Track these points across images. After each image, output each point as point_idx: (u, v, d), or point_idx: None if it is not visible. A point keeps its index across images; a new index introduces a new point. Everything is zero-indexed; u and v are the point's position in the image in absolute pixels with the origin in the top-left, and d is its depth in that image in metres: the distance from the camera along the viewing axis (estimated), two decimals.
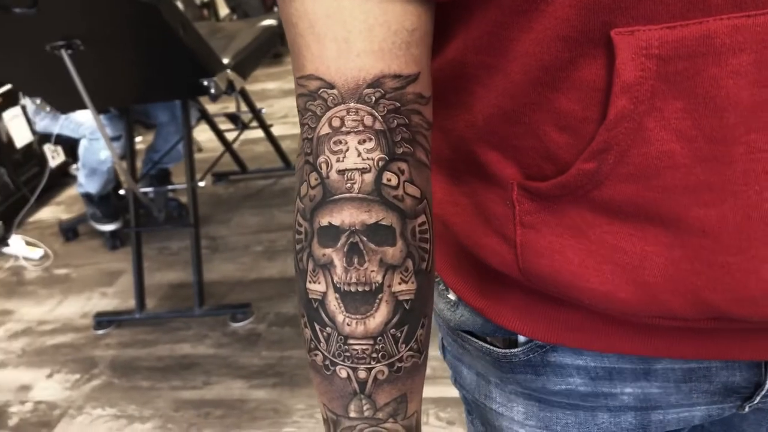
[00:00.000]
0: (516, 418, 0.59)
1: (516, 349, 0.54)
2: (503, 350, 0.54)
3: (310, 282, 0.41)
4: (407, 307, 0.41)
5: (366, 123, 0.39)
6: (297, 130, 2.58)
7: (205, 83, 2.05)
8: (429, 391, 1.80)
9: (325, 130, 0.39)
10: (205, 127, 3.16)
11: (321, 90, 0.39)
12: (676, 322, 0.45)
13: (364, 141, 0.39)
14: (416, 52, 0.40)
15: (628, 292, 0.43)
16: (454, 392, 0.77)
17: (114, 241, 2.81)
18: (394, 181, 0.40)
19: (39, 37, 1.85)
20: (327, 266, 0.40)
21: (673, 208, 0.40)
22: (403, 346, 0.42)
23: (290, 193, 2.97)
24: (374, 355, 0.41)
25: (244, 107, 3.08)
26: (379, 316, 0.40)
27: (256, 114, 3.08)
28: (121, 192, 2.53)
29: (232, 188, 3.21)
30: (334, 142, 0.39)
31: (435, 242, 0.58)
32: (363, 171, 0.39)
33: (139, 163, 2.86)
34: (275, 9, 4.21)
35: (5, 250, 2.84)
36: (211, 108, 3.23)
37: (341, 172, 0.39)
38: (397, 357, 0.42)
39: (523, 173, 0.45)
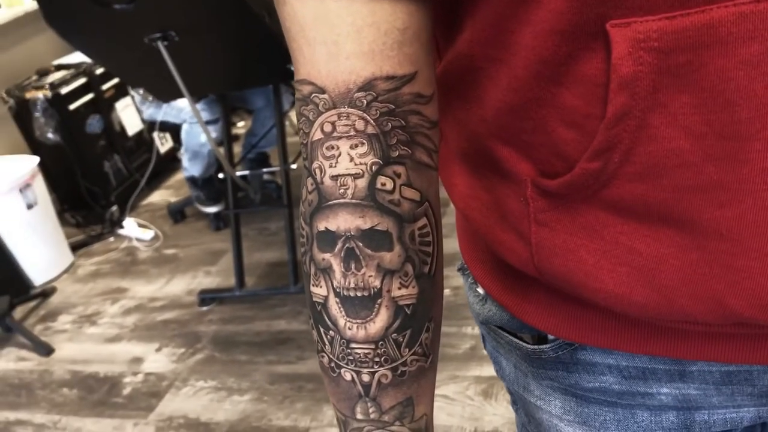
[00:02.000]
0: (554, 412, 0.57)
1: (545, 346, 0.52)
2: (532, 346, 0.53)
3: (313, 285, 0.42)
4: (408, 312, 0.41)
5: (358, 127, 0.39)
6: None
7: (292, 68, 2.09)
8: None
9: (317, 135, 0.40)
10: None
11: (313, 95, 0.39)
12: (698, 327, 0.42)
13: (356, 146, 0.39)
14: (410, 50, 0.39)
15: (644, 296, 0.41)
16: None
17: (218, 222, 2.96)
18: (389, 186, 0.39)
19: (137, 30, 1.96)
20: (327, 271, 0.41)
21: (685, 208, 0.38)
22: (407, 350, 0.42)
23: None
24: (377, 359, 0.41)
25: None
26: (379, 321, 0.40)
27: None
28: (221, 175, 2.65)
29: None
30: (327, 148, 0.39)
31: (462, 237, 0.58)
32: (356, 176, 0.39)
33: (238, 148, 2.98)
34: None
35: (120, 231, 3.05)
36: None
37: (334, 177, 0.39)
38: (400, 361, 0.42)
39: (537, 169, 0.44)
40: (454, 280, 2.12)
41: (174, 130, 3.10)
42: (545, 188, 0.43)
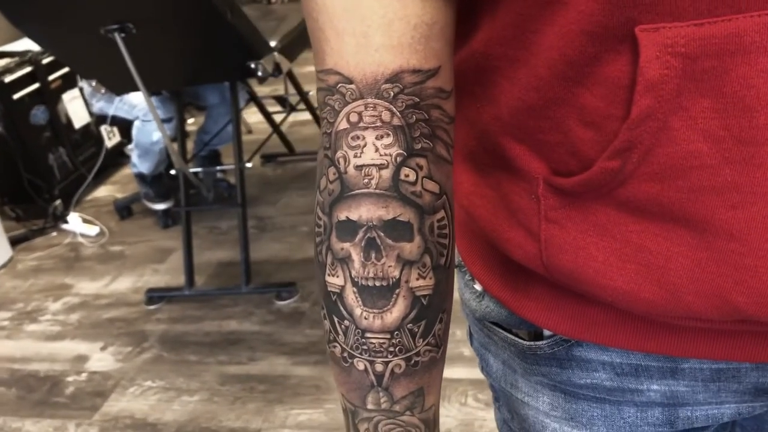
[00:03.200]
0: (541, 408, 0.59)
1: (541, 342, 0.54)
2: (528, 342, 0.54)
3: (329, 275, 0.42)
4: (425, 303, 0.42)
5: (384, 118, 0.39)
6: None
7: (252, 66, 2.07)
8: (468, 373, 1.82)
9: (343, 125, 0.40)
10: (255, 109, 3.20)
11: (339, 85, 0.40)
12: (701, 324, 0.44)
13: (382, 137, 0.39)
14: (436, 46, 0.40)
15: (651, 293, 0.43)
16: None
17: (166, 219, 2.89)
18: (412, 177, 0.40)
19: (94, 20, 1.90)
20: (345, 260, 0.41)
21: (699, 209, 0.39)
22: (421, 340, 0.42)
23: None
24: (391, 349, 0.41)
25: (292, 90, 3.11)
26: (396, 311, 0.41)
27: (304, 96, 3.10)
28: (173, 172, 2.60)
29: (280, 169, 3.26)
30: (352, 138, 0.40)
31: (460, 234, 0.58)
32: (380, 167, 0.39)
33: (191, 145, 2.92)
34: None
35: (64, 226, 2.95)
36: (261, 90, 3.28)
37: (359, 167, 0.40)
38: (414, 351, 0.42)
39: (550, 168, 0.45)
40: None
41: (123, 124, 3.02)
42: (558, 186, 0.44)
